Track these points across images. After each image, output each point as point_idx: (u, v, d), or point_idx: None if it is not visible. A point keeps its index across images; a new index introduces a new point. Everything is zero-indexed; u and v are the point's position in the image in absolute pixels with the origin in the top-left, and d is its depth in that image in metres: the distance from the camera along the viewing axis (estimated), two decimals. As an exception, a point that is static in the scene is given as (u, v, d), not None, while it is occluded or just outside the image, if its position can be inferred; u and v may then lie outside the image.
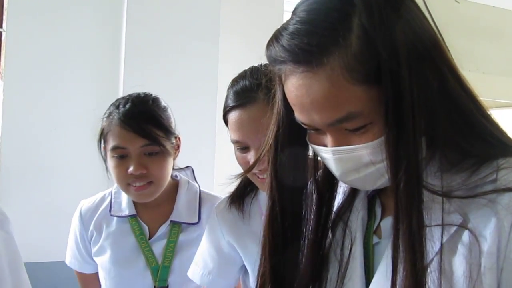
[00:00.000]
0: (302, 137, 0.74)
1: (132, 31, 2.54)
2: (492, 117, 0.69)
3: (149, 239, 1.37)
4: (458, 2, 3.28)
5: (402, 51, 0.60)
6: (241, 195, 1.27)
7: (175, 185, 1.45)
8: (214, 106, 2.65)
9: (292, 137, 0.75)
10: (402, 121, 0.60)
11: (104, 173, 2.50)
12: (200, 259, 1.27)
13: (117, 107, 1.34)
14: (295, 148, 0.76)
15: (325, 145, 0.69)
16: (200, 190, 1.46)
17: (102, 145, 1.38)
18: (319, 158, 0.77)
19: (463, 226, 0.62)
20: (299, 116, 0.68)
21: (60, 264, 2.42)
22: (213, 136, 2.63)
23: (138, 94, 1.40)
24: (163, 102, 1.41)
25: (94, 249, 1.41)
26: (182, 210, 1.39)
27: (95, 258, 1.41)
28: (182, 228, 1.38)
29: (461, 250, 0.61)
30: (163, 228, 1.38)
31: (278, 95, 0.75)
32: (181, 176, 1.49)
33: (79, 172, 2.53)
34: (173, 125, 1.38)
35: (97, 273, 1.44)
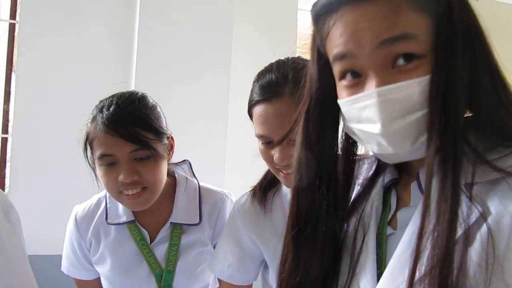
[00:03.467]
0: (334, 112, 0.73)
1: (145, 25, 2.53)
2: None
3: (150, 243, 1.31)
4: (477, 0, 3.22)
5: (456, 15, 0.62)
6: (264, 190, 1.24)
7: (172, 184, 1.37)
8: (226, 102, 2.64)
9: (324, 111, 0.74)
10: (451, 58, 0.61)
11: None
12: (221, 252, 1.25)
13: (101, 111, 1.22)
14: (326, 123, 0.75)
15: (366, 91, 0.65)
16: (199, 186, 1.38)
17: (89, 152, 1.27)
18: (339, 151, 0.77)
19: (483, 217, 0.59)
20: (344, 43, 0.65)
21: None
22: (225, 131, 2.62)
23: (123, 94, 1.26)
24: (151, 100, 1.28)
25: (94, 258, 1.35)
26: (182, 211, 1.32)
27: (96, 267, 1.36)
28: (183, 230, 1.32)
29: (479, 242, 0.59)
30: (164, 231, 1.31)
31: (313, 69, 0.74)
32: (179, 172, 1.40)
33: (88, 167, 2.53)
34: (163, 124, 1.26)
35: (97, 279, 1.39)
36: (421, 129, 0.62)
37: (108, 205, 1.33)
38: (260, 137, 1.08)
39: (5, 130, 2.52)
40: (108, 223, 1.31)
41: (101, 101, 1.27)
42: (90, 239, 1.34)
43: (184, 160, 1.45)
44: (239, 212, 1.25)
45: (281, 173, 1.08)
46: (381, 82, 0.62)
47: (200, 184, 1.39)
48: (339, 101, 0.70)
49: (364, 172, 0.83)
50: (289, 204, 0.80)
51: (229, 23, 2.68)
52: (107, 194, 1.34)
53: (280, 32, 3.02)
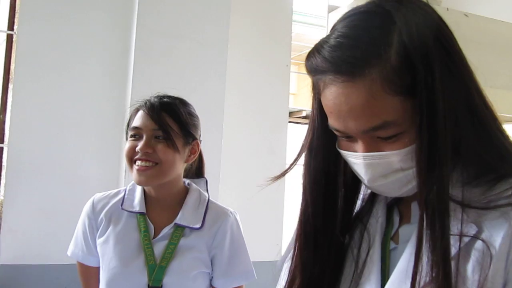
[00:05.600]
0: (334, 144, 0.79)
1: (142, 36, 2.56)
2: (508, 134, 0.74)
3: (153, 238, 1.41)
4: (467, 16, 3.28)
5: (436, 67, 0.65)
6: None
7: (186, 191, 1.50)
8: (221, 112, 2.66)
9: (326, 143, 0.80)
10: (433, 132, 0.65)
11: (110, 174, 2.53)
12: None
13: (147, 99, 1.46)
14: (327, 154, 0.80)
15: (356, 151, 0.73)
16: (208, 199, 1.50)
17: (127, 134, 1.47)
18: (347, 166, 0.81)
19: (476, 237, 0.66)
20: (334, 123, 0.72)
21: (67, 267, 2.43)
22: (220, 141, 2.64)
23: (173, 95, 1.51)
24: (194, 110, 1.52)
25: (100, 238, 1.44)
26: (187, 215, 1.43)
27: (98, 247, 1.45)
28: (184, 232, 1.42)
29: (474, 258, 0.65)
30: (166, 230, 1.41)
31: (314, 104, 0.80)
32: (193, 185, 1.53)
33: (84, 176, 2.55)
34: (193, 128, 1.46)
35: (98, 268, 1.46)
36: (404, 183, 0.71)
37: (126, 196, 1.49)
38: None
39: (1, 140, 2.53)
40: (122, 209, 1.45)
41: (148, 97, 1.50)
42: (101, 220, 1.45)
43: (202, 177, 1.61)
44: None
45: None
46: (367, 149, 0.71)
47: (210, 199, 1.51)
48: (337, 147, 0.78)
49: (365, 189, 0.88)
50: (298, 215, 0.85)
51: (224, 35, 2.72)
52: (128, 188, 1.51)
53: (275, 44, 3.06)
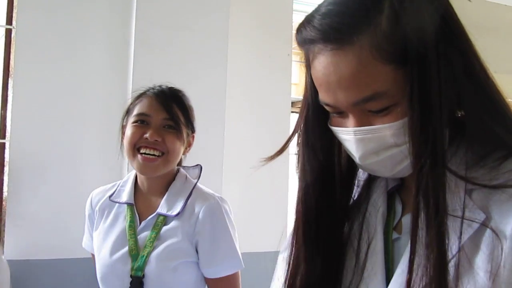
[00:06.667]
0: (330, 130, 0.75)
1: (141, 28, 2.54)
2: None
3: (138, 228, 1.42)
4: (470, 1, 3.25)
5: (429, 34, 0.62)
6: None
7: (172, 179, 1.47)
8: (223, 104, 2.65)
9: (321, 120, 0.76)
10: (427, 103, 0.62)
11: (113, 167, 2.53)
12: None
13: (151, 87, 1.45)
14: (324, 129, 0.76)
15: (347, 127, 0.70)
16: (195, 186, 1.45)
17: (123, 123, 1.46)
18: (342, 150, 0.78)
19: (485, 224, 0.62)
20: (324, 97, 0.69)
21: (71, 262, 2.44)
22: (222, 133, 2.63)
23: (171, 86, 1.50)
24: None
25: (95, 231, 1.48)
26: (168, 203, 1.41)
27: (93, 240, 1.48)
28: (166, 221, 1.40)
29: (483, 249, 0.61)
30: (149, 219, 1.40)
31: (307, 78, 0.76)
32: (182, 171, 1.50)
33: (87, 171, 2.54)
34: (193, 120, 1.47)
35: None
36: (397, 161, 0.67)
37: (118, 188, 1.49)
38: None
39: (3, 135, 2.52)
40: (110, 200, 1.46)
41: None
42: (96, 213, 1.48)
43: (197, 165, 1.57)
44: None
45: None
46: (358, 123, 0.68)
47: (198, 186, 1.46)
48: (329, 124, 0.74)
49: (361, 173, 0.84)
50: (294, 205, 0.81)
51: (225, 25, 2.69)
52: (122, 181, 1.52)
53: (276, 34, 3.04)
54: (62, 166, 2.50)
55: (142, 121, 1.37)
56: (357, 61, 0.63)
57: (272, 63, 2.99)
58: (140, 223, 1.42)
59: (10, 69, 2.51)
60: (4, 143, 2.51)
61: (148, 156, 1.34)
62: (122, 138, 1.45)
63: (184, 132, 1.40)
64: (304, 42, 0.69)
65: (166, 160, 1.37)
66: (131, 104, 1.44)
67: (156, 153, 1.35)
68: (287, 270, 0.81)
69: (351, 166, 0.79)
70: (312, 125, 0.77)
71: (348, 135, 0.69)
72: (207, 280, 1.42)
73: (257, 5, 3.05)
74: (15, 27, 2.50)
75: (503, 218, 0.61)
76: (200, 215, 1.37)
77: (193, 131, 1.47)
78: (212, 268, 1.39)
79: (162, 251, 1.35)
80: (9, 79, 2.51)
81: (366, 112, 0.67)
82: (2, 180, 2.49)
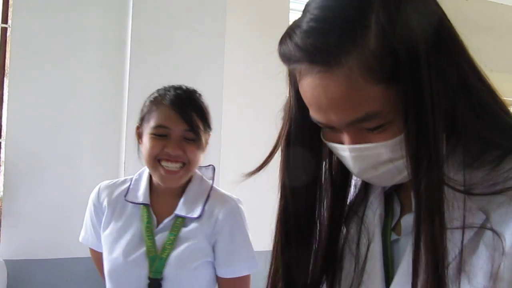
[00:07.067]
0: (315, 134, 0.73)
1: (138, 27, 2.53)
2: (508, 109, 0.67)
3: (155, 229, 1.40)
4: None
5: (421, 47, 0.59)
6: None
7: (189, 180, 1.47)
8: (220, 103, 2.64)
9: (305, 135, 0.74)
10: (422, 119, 0.59)
11: (109, 166, 2.52)
12: None
13: (167, 91, 1.41)
14: (308, 145, 0.74)
15: (342, 143, 0.67)
16: (212, 188, 1.47)
17: (137, 124, 1.43)
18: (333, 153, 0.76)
19: (484, 227, 0.61)
20: (315, 116, 0.67)
21: (67, 261, 2.43)
22: (219, 132, 2.62)
23: (185, 86, 1.47)
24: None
25: (104, 228, 1.43)
26: (187, 205, 1.41)
27: (102, 237, 1.44)
28: (185, 223, 1.40)
29: (483, 251, 0.60)
30: (167, 220, 1.39)
31: (290, 92, 0.74)
32: (197, 172, 1.50)
33: (83, 170, 2.53)
34: (210, 120, 1.45)
35: None
36: (397, 172, 0.65)
37: (131, 186, 1.46)
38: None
39: (-2, 135, 2.51)
40: (125, 200, 1.43)
41: (163, 87, 1.45)
42: (105, 208, 1.44)
43: (210, 165, 1.57)
44: None
45: None
46: (353, 141, 0.65)
47: (214, 187, 1.48)
48: (322, 138, 0.72)
49: None
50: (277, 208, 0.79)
51: (221, 25, 2.69)
52: (134, 178, 1.49)
53: (273, 33, 3.01)
54: (58, 165, 2.49)
55: (161, 135, 1.34)
56: (347, 83, 0.60)
57: (269, 62, 2.97)
58: (157, 224, 1.40)
59: (6, 68, 2.50)
60: (0, 142, 2.50)
61: (171, 169, 1.34)
62: (139, 142, 1.43)
63: (203, 138, 1.39)
64: (288, 59, 0.66)
65: (188, 170, 1.37)
66: (147, 110, 1.40)
67: (178, 165, 1.35)
68: (273, 278, 0.79)
69: (345, 170, 0.76)
70: (293, 141, 0.75)
71: (344, 152, 0.68)
72: (220, 280, 1.42)
73: (253, 4, 3.04)
74: (10, 26, 2.49)
75: (503, 220, 0.60)
76: (220, 217, 1.40)
77: (210, 130, 1.45)
78: (230, 268, 1.41)
79: (182, 252, 1.35)
80: (5, 78, 2.50)
81: (361, 129, 0.65)
82: (-2, 179, 2.48)
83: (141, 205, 1.42)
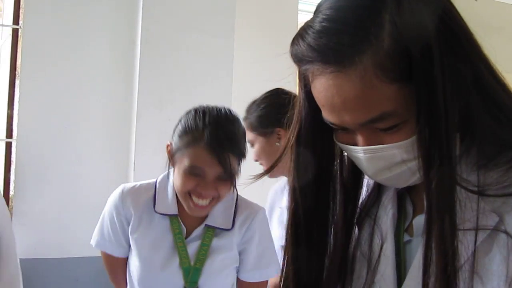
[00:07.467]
0: (325, 136, 0.73)
1: (148, 28, 2.54)
2: None
3: (186, 239, 1.39)
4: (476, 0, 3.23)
5: (434, 46, 0.58)
6: None
7: None
8: (228, 105, 2.63)
9: (315, 136, 0.73)
10: (434, 118, 0.59)
11: (119, 167, 2.53)
12: None
13: (205, 124, 1.31)
14: (318, 147, 0.74)
15: (355, 144, 0.67)
16: (237, 197, 1.46)
17: (169, 142, 1.38)
18: (344, 153, 0.75)
19: (497, 229, 0.60)
20: (328, 117, 0.66)
21: (77, 260, 2.45)
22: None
23: (225, 114, 1.38)
24: (242, 123, 1.43)
25: (133, 234, 1.40)
26: (217, 215, 1.41)
27: (132, 242, 1.40)
28: (216, 233, 1.40)
29: (497, 254, 0.60)
30: (198, 231, 1.39)
31: (301, 95, 0.73)
32: None
33: (93, 170, 2.55)
34: (246, 149, 1.39)
35: (125, 259, 1.44)
36: (411, 173, 0.64)
37: (157, 195, 1.41)
38: None
39: (10, 135, 2.54)
40: (155, 211, 1.39)
41: (203, 111, 1.35)
42: (131, 214, 1.40)
43: None
44: None
45: None
46: (367, 142, 0.65)
47: (239, 195, 1.47)
48: (335, 139, 0.72)
49: None
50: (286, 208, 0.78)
51: (230, 25, 2.69)
52: (157, 185, 1.43)
53: (281, 34, 3.01)
54: (68, 165, 2.51)
55: (195, 173, 1.30)
56: (361, 83, 0.59)
57: (277, 64, 2.98)
58: (187, 235, 1.39)
59: (17, 68, 2.52)
60: (11, 143, 2.53)
61: (201, 205, 1.32)
62: (170, 161, 1.37)
63: (238, 173, 1.35)
64: (300, 61, 0.65)
65: (217, 203, 1.35)
66: (183, 144, 1.32)
67: (208, 200, 1.33)
68: (286, 278, 0.79)
69: (357, 170, 0.76)
70: (304, 143, 0.74)
71: (357, 153, 0.67)
72: (243, 284, 1.46)
73: (262, 6, 3.05)
74: (22, 27, 2.52)
75: None
76: (250, 226, 1.43)
77: (244, 159, 1.39)
78: (258, 271, 1.45)
79: (216, 262, 1.38)
80: (16, 79, 2.52)
81: (375, 130, 0.64)
82: (9, 179, 2.50)
83: (170, 216, 1.40)
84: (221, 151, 1.27)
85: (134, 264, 1.40)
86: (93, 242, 1.48)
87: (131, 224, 1.40)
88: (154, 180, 1.46)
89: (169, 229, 1.39)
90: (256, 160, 1.60)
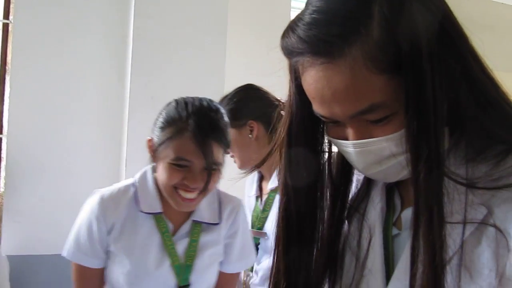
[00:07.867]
0: (316, 130, 0.73)
1: (140, 24, 2.53)
2: None
3: (173, 236, 1.37)
4: (467, -2, 3.25)
5: (423, 37, 0.58)
6: None
7: None
8: (220, 101, 2.64)
9: (306, 131, 0.73)
10: (422, 111, 0.59)
11: (111, 163, 2.52)
12: None
13: (189, 114, 1.28)
14: (309, 141, 0.74)
15: (345, 138, 0.67)
16: (218, 191, 1.45)
17: (149, 138, 1.34)
18: (334, 149, 0.76)
19: (486, 223, 0.60)
20: (318, 109, 0.66)
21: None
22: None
23: (208, 104, 1.33)
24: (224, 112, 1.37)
25: (116, 242, 1.34)
26: (203, 210, 1.40)
27: (115, 251, 1.34)
28: (203, 228, 1.40)
29: (485, 247, 0.60)
30: (186, 227, 1.38)
31: (291, 88, 0.73)
32: None
33: (84, 167, 2.54)
34: (229, 139, 1.35)
35: (101, 270, 1.37)
36: (401, 167, 0.64)
37: (138, 193, 1.36)
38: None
39: (0, 131, 2.52)
40: (141, 211, 1.34)
41: (185, 102, 1.31)
42: (112, 224, 1.33)
43: None
44: None
45: None
46: (357, 136, 0.65)
47: (217, 188, 1.46)
48: (326, 134, 0.72)
49: None
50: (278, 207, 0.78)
51: (223, 22, 2.68)
52: (136, 184, 1.38)
53: (274, 32, 3.00)
54: (59, 161, 2.50)
55: (180, 165, 1.26)
56: (350, 73, 0.59)
57: (271, 61, 2.98)
58: (174, 232, 1.37)
59: (7, 64, 2.50)
60: (1, 139, 2.51)
61: (189, 198, 1.29)
62: (152, 156, 1.34)
63: (223, 163, 1.33)
64: (290, 53, 0.66)
65: (204, 195, 1.32)
66: (167, 136, 1.28)
67: (196, 194, 1.29)
68: (275, 275, 0.79)
69: (347, 165, 0.76)
70: (295, 137, 0.74)
71: (347, 148, 0.67)
72: (225, 276, 1.46)
73: (255, 3, 3.05)
74: (12, 22, 2.49)
75: (507, 217, 0.60)
76: (235, 219, 1.44)
77: (228, 149, 1.38)
78: (242, 262, 1.48)
79: (206, 258, 1.38)
80: (6, 74, 2.50)
81: (365, 122, 0.64)
82: (-1, 175, 2.49)
83: (155, 214, 1.35)
84: (208, 140, 1.25)
85: (119, 271, 1.33)
86: (66, 253, 1.39)
87: (112, 233, 1.34)
88: (131, 181, 1.40)
89: (156, 228, 1.35)
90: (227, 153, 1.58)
